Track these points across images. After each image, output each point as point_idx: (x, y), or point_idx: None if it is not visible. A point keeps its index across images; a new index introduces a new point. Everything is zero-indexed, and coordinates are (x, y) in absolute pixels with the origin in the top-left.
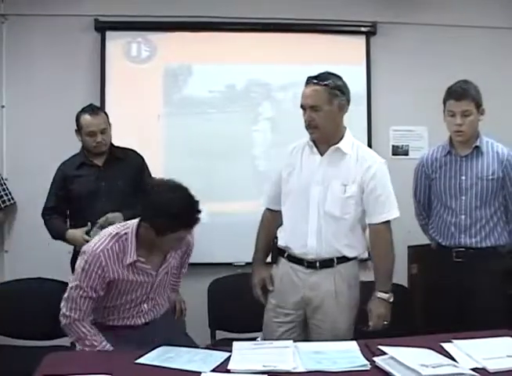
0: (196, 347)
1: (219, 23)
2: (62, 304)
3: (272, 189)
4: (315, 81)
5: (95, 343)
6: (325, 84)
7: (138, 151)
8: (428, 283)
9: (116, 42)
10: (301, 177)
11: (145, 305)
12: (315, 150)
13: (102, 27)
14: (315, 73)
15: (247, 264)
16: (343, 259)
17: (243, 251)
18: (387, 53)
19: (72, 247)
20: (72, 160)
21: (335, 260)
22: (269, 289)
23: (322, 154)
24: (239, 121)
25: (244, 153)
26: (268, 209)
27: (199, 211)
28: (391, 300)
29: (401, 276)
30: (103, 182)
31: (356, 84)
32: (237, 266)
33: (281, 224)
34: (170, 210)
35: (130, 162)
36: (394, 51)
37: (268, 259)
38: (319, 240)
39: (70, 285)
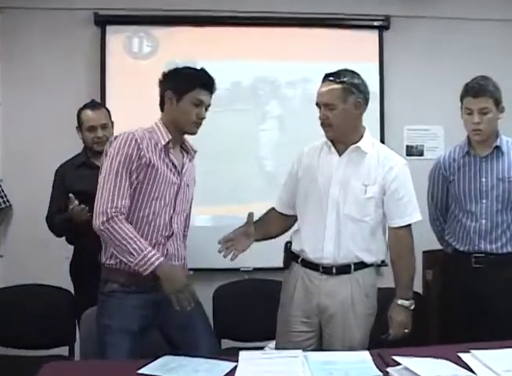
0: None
1: (225, 18)
2: (96, 204)
3: (285, 192)
4: (331, 79)
5: (143, 247)
6: (340, 82)
7: None
8: (445, 289)
9: (116, 37)
10: (319, 178)
11: (167, 231)
12: (333, 149)
13: (102, 21)
14: (324, 69)
15: (255, 269)
16: (360, 265)
17: (250, 255)
18: (400, 49)
19: (71, 252)
20: (72, 161)
21: (352, 266)
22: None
23: (340, 154)
24: (245, 120)
25: (251, 153)
26: (278, 212)
27: (214, 83)
28: (412, 307)
29: (415, 283)
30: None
31: (368, 81)
32: (244, 272)
33: (289, 228)
34: (189, 69)
35: None
36: (408, 46)
37: (279, 264)
38: (336, 244)
39: (102, 180)
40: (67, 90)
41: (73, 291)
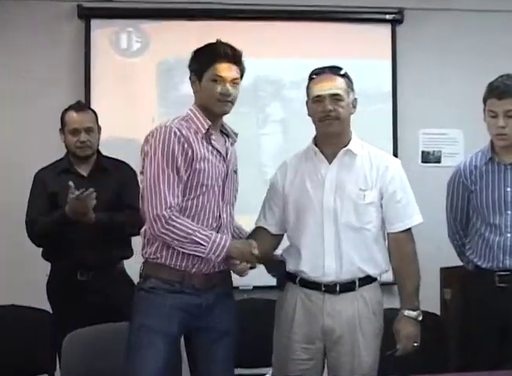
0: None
1: (222, 11)
2: (147, 209)
3: (272, 210)
4: (333, 71)
5: (208, 234)
6: (342, 75)
7: (130, 158)
8: (465, 311)
9: (102, 32)
10: (310, 188)
11: (219, 221)
12: (320, 155)
13: (87, 15)
14: None
15: (255, 288)
16: (365, 280)
17: (250, 272)
18: (415, 44)
19: (49, 268)
20: (53, 167)
21: (357, 282)
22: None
23: (329, 160)
24: (244, 124)
25: (251, 160)
26: (267, 232)
27: (233, 52)
28: (420, 318)
29: (432, 303)
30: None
31: (380, 80)
32: (244, 291)
33: (277, 247)
34: (205, 46)
35: (119, 175)
36: (423, 41)
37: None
38: (338, 258)
39: (148, 182)
40: (48, 90)
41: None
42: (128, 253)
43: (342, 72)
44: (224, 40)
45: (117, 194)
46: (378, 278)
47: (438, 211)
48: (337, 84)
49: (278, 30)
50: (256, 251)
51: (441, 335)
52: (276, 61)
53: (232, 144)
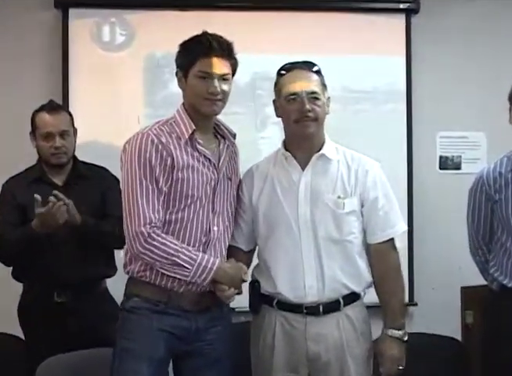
0: None
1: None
2: (126, 225)
3: (239, 225)
4: (305, 67)
5: (193, 255)
6: (316, 72)
7: (112, 165)
8: (489, 336)
9: (82, 23)
10: (282, 198)
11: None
12: (293, 160)
13: (64, 3)
14: (338, 63)
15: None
16: (350, 298)
17: (246, 294)
18: (433, 38)
19: (21, 289)
20: (23, 176)
21: (341, 301)
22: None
23: (302, 165)
24: (241, 126)
25: (249, 164)
26: (239, 249)
27: (222, 43)
28: (406, 338)
29: (452, 327)
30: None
31: (393, 77)
32: (240, 313)
33: (250, 262)
34: (191, 39)
35: (98, 183)
36: (442, 34)
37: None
38: (320, 276)
39: (125, 196)
40: (20, 87)
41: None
42: (111, 270)
43: (316, 68)
44: (219, 32)
45: (97, 205)
46: (362, 295)
47: (458, 224)
48: (313, 82)
49: (278, 22)
50: (246, 277)
51: (463, 363)
52: (277, 56)
53: (228, 147)
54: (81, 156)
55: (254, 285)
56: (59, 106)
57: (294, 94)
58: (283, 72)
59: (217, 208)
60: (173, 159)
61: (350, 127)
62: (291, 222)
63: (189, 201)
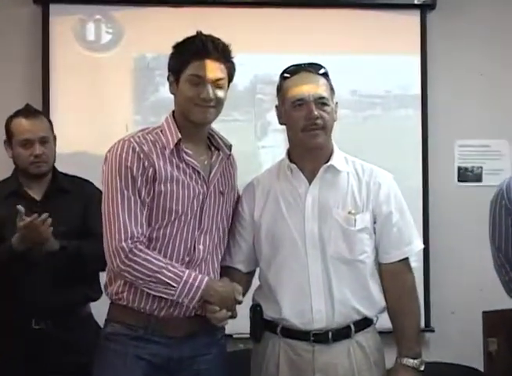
0: None
1: None
2: (105, 241)
3: (238, 244)
4: (311, 69)
5: (179, 272)
6: (323, 75)
7: (97, 177)
8: None
9: (64, 20)
10: (287, 214)
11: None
12: (298, 173)
13: None
14: (347, 65)
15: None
16: (361, 324)
17: (245, 318)
18: (450, 35)
19: None
20: None
21: (352, 327)
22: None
23: (309, 178)
24: (240, 134)
25: (248, 177)
26: (238, 270)
27: (215, 44)
28: (422, 368)
29: (474, 355)
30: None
31: (407, 79)
32: (238, 339)
33: (250, 285)
34: (183, 41)
35: (81, 197)
36: (460, 31)
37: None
38: (328, 299)
39: (105, 209)
40: None
41: None
42: (96, 293)
43: (323, 71)
44: (217, 31)
45: (79, 222)
46: (375, 320)
47: (479, 242)
48: (321, 86)
49: (281, 19)
50: (240, 297)
51: None
52: (279, 57)
53: (222, 159)
54: (62, 167)
55: (256, 310)
56: (37, 110)
57: (301, 99)
58: (287, 75)
59: (204, 225)
60: (155, 170)
61: (359, 135)
62: (297, 241)
63: (172, 217)
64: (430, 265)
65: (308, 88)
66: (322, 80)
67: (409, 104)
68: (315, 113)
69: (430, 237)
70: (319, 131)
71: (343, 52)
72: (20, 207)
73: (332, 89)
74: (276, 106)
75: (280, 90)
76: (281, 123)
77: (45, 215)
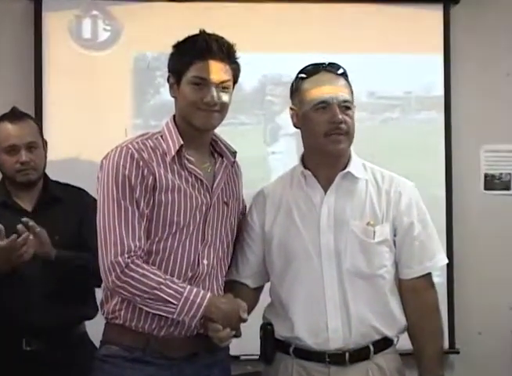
0: None
1: None
2: (101, 255)
3: (246, 258)
4: (332, 68)
5: (180, 288)
6: (343, 75)
7: (93, 186)
8: None
9: (58, 16)
10: (300, 224)
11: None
12: (313, 180)
13: None
14: (364, 64)
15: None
16: (381, 344)
17: (251, 338)
18: (476, 32)
19: None
20: None
21: (371, 348)
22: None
23: (324, 186)
24: (248, 139)
25: (257, 186)
26: (244, 285)
27: (219, 44)
28: None
29: None
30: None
31: (429, 79)
32: (246, 361)
33: (257, 301)
34: (185, 40)
35: (75, 208)
36: (487, 27)
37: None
38: (345, 317)
39: (100, 221)
40: None
41: None
42: (91, 311)
43: (341, 71)
44: (222, 27)
45: (73, 234)
46: (395, 340)
47: (507, 255)
48: (343, 88)
49: (291, 15)
50: (245, 315)
51: None
52: (289, 56)
53: (226, 166)
54: (55, 175)
55: (267, 329)
56: (24, 113)
57: (324, 102)
58: (304, 75)
59: (208, 238)
60: (155, 178)
61: (376, 139)
62: (311, 254)
63: (173, 229)
64: (454, 281)
65: (330, 89)
66: (343, 81)
67: (431, 106)
68: (340, 117)
69: (454, 251)
70: (342, 136)
71: (359, 50)
72: (0, 226)
73: (352, 91)
74: (291, 108)
75: (297, 91)
76: (296, 126)
77: (39, 229)
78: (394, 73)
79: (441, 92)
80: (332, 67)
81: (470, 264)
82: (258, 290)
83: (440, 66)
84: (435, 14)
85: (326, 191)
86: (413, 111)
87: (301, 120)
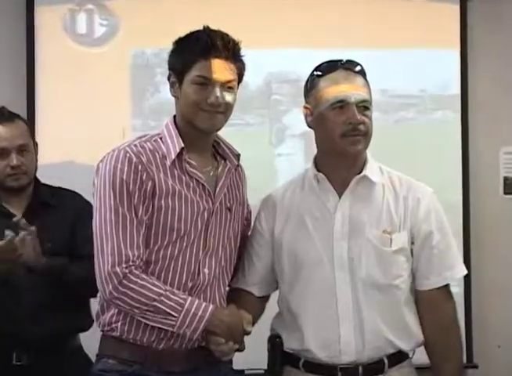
0: None
1: None
2: (97, 265)
3: (253, 265)
4: (350, 65)
5: (181, 300)
6: (362, 73)
7: (88, 190)
8: None
9: (52, 10)
10: (312, 231)
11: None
12: (327, 184)
13: None
14: (376, 60)
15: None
16: (396, 358)
17: (259, 351)
18: (494, 25)
19: None
20: None
21: (386, 361)
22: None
23: (338, 191)
24: (253, 140)
25: (262, 190)
26: (250, 294)
27: (225, 41)
28: None
29: None
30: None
31: (445, 77)
32: (252, 375)
33: (262, 311)
34: (188, 35)
35: (68, 213)
36: (506, 21)
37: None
38: (358, 329)
39: (96, 228)
40: None
41: None
42: (86, 322)
43: (359, 68)
44: (225, 22)
45: (66, 240)
46: (411, 354)
47: None
48: (362, 87)
49: (298, 9)
50: (250, 328)
51: None
52: (296, 52)
53: (229, 170)
54: (48, 179)
55: (275, 341)
56: (13, 114)
57: (342, 101)
58: (319, 73)
59: (209, 246)
60: (154, 183)
61: (389, 140)
62: (324, 262)
63: (173, 237)
64: (471, 291)
65: (348, 88)
66: (362, 79)
67: (447, 105)
68: (358, 117)
69: (472, 259)
70: (360, 137)
71: (370, 46)
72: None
73: (370, 91)
74: (305, 107)
75: (312, 89)
76: (310, 127)
77: (22, 234)
78: (407, 69)
79: (457, 90)
80: (350, 64)
81: (488, 273)
82: (264, 299)
83: (456, 62)
84: (451, 6)
85: (340, 196)
86: (428, 111)
87: (315, 120)
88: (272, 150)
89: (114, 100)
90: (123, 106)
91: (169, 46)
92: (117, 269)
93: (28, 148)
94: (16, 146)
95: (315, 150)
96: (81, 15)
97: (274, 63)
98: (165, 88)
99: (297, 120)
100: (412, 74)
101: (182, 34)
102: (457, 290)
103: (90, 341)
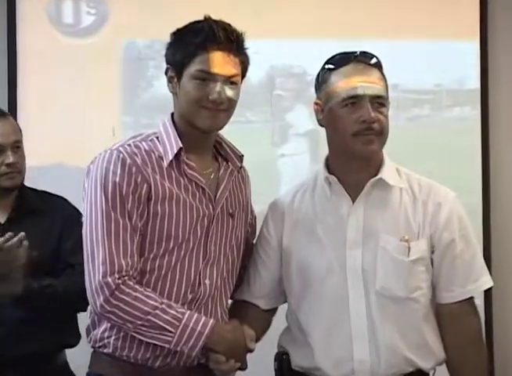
0: None
1: None
2: (87, 276)
3: (259, 277)
4: (365, 58)
5: (178, 314)
6: (379, 66)
7: (76, 194)
8: None
9: None
10: (323, 238)
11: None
12: (339, 187)
13: None
14: (387, 53)
15: None
16: None
17: (264, 369)
18: None
19: None
20: None
21: None
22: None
23: (352, 195)
24: (255, 139)
25: (265, 191)
26: (256, 307)
27: (228, 32)
28: None
29: None
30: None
31: (463, 71)
32: None
33: (269, 325)
34: (187, 26)
35: (54, 218)
36: None
37: None
38: (373, 346)
39: (86, 235)
40: None
41: None
42: (73, 338)
43: (374, 61)
44: (222, 12)
45: (53, 248)
46: (431, 373)
47: None
48: (378, 82)
49: None
50: (253, 345)
51: None
52: (301, 44)
53: (231, 172)
54: (32, 182)
55: (282, 358)
56: (2, 110)
57: (354, 97)
58: (331, 66)
59: (210, 255)
60: (150, 187)
61: (402, 139)
62: (336, 272)
63: (170, 245)
64: (493, 305)
65: (362, 83)
66: (377, 73)
67: (466, 101)
68: (373, 115)
69: (493, 268)
70: (374, 136)
71: (381, 37)
72: None
73: (387, 86)
74: (316, 103)
75: (323, 84)
76: (321, 124)
77: (21, 234)
78: (422, 62)
79: (477, 84)
80: (364, 57)
81: (511, 285)
82: (271, 312)
83: (476, 54)
84: None
85: (354, 200)
86: (445, 107)
87: (326, 117)
88: (274, 150)
89: (103, 96)
90: (113, 102)
91: (162, 36)
92: (109, 280)
93: (21, 146)
94: (11, 142)
95: (320, 151)
96: (66, 3)
97: (277, 55)
98: (158, 82)
99: (301, 117)
100: (426, 67)
101: (179, 23)
102: (477, 302)
103: (75, 356)
